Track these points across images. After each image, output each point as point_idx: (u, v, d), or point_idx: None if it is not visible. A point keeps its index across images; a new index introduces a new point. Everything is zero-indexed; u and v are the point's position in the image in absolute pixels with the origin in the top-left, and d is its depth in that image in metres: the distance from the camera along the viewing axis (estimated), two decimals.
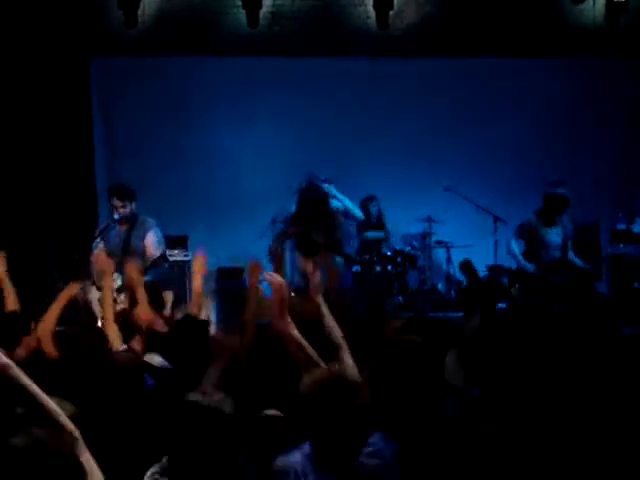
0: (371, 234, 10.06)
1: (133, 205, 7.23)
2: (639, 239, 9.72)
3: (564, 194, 8.25)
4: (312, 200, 7.70)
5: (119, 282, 7.09)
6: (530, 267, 8.26)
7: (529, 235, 8.32)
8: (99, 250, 7.16)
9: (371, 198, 10.11)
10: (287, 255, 8.24)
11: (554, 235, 8.34)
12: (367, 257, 9.83)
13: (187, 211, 10.18)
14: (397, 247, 10.12)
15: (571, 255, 8.42)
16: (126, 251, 7.21)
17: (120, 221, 7.25)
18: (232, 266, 10.10)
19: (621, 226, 9.91)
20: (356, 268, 9.56)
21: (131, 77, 10.34)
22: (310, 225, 7.75)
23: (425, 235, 10.26)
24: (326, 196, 7.77)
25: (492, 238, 9.67)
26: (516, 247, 8.36)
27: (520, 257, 8.34)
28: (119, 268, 7.02)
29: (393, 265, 9.80)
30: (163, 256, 7.49)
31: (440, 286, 10.33)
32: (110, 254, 7.09)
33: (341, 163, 10.21)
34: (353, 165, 10.35)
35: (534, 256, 8.31)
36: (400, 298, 9.76)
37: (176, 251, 9.11)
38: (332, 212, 7.81)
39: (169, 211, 9.60)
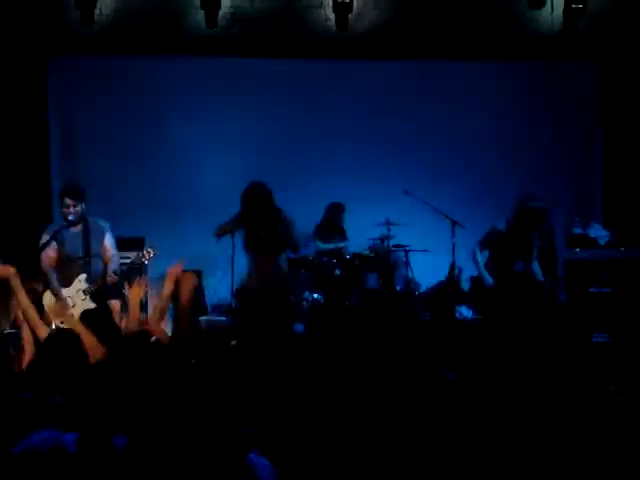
0: (328, 245, 10.02)
1: (83, 206, 7.14)
2: (595, 244, 9.76)
3: (541, 206, 7.77)
4: (256, 198, 7.53)
5: (84, 284, 7.04)
6: (489, 281, 8.02)
7: (496, 244, 8.06)
8: (52, 250, 7.05)
9: (341, 209, 10.07)
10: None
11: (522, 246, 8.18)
12: (325, 260, 9.80)
13: (144, 212, 10.06)
14: (356, 250, 10.10)
15: (535, 266, 8.17)
16: (88, 254, 7.12)
17: (75, 223, 7.14)
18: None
19: (577, 230, 9.94)
20: None
21: (88, 77, 10.22)
22: (254, 223, 7.59)
23: (384, 238, 10.23)
24: (270, 194, 7.61)
25: (450, 242, 9.64)
26: (480, 259, 8.15)
27: (483, 270, 8.08)
28: (84, 270, 7.08)
29: (352, 268, 9.78)
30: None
31: (398, 289, 10.32)
32: (69, 257, 7.09)
33: (300, 165, 10.19)
34: (313, 167, 10.32)
35: (498, 265, 8.09)
36: (356, 301, 9.75)
37: (133, 253, 8.98)
38: (277, 210, 7.63)
39: (126, 212, 9.52)
